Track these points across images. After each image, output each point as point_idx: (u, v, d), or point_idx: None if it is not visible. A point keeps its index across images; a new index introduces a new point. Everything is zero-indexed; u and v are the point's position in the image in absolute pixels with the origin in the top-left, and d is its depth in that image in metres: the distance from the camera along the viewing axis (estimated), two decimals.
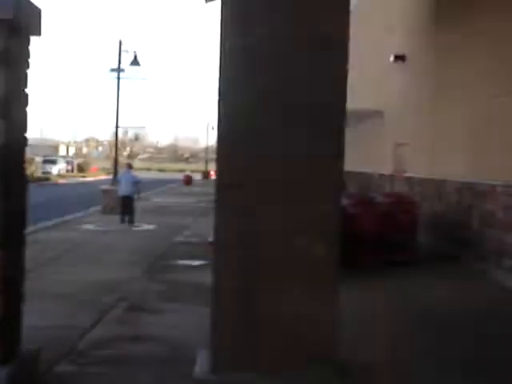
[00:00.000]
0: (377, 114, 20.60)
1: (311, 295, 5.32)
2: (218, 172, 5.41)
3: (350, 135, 20.09)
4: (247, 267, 5.33)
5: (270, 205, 5.32)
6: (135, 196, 20.49)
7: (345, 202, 12.32)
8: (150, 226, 19.18)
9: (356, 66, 20.68)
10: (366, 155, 22.98)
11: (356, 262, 11.74)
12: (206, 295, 5.61)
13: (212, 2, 9.86)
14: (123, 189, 20.22)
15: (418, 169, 16.97)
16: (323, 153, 5.29)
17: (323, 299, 5.33)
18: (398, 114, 18.99)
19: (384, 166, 20.52)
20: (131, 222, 19.75)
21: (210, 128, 69.53)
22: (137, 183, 20.53)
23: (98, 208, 23.48)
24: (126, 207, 20.33)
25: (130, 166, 21.88)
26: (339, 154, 5.31)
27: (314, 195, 5.29)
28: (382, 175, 21.21)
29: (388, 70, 19.36)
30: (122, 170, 22.87)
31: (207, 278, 5.56)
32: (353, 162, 20.09)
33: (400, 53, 18.20)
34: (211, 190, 5.57)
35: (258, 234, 5.32)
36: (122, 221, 19.95)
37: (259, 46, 5.26)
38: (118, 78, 28.25)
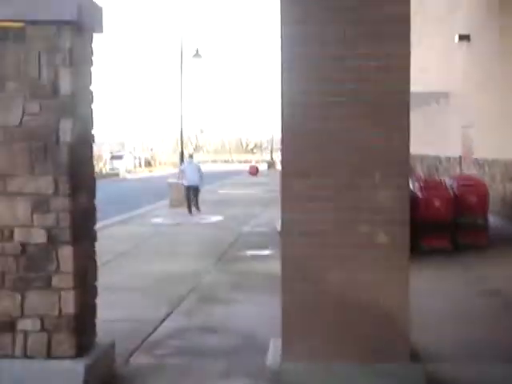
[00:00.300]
0: (442, 95, 20.25)
1: (382, 281, 5.28)
2: (284, 161, 5.42)
3: (415, 117, 19.81)
4: (315, 255, 5.33)
5: (336, 193, 5.29)
6: (200, 185, 21.27)
7: (413, 185, 12.18)
8: (218, 218, 19.33)
9: (419, 46, 20.37)
10: (433, 137, 22.63)
11: (426, 247, 11.61)
12: (276, 284, 5.63)
13: None
14: (189, 179, 20.87)
15: (485, 150, 16.63)
16: (388, 138, 5.24)
17: (395, 285, 5.29)
18: (463, 94, 18.64)
19: (451, 148, 20.17)
20: (198, 209, 20.25)
21: (275, 118, 69.46)
22: (200, 172, 21.37)
23: (166, 202, 23.77)
24: (193, 197, 21.00)
25: (191, 156, 22.59)
26: (404, 139, 5.25)
27: (381, 180, 5.25)
28: (449, 157, 20.87)
29: (452, 50, 19.01)
30: (185, 161, 23.43)
31: (277, 267, 5.58)
32: (419, 145, 19.80)
33: (465, 32, 17.85)
34: (277, 179, 5.57)
35: (324, 222, 5.30)
36: (190, 211, 20.41)
37: (320, 33, 5.23)
38: (181, 72, 28.56)
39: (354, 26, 5.19)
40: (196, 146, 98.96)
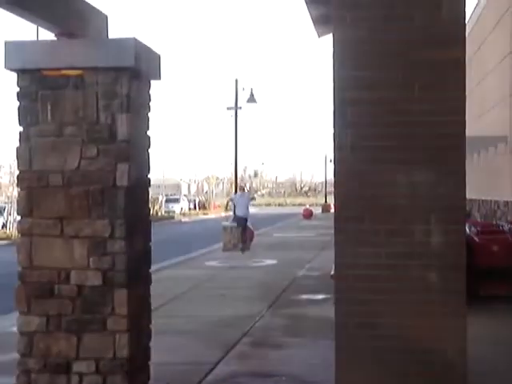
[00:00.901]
0: (500, 139, 19.98)
1: (438, 327, 5.18)
2: (337, 205, 5.41)
3: (472, 162, 19.49)
4: (368, 300, 5.27)
5: (389, 238, 5.25)
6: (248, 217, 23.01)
7: (469, 230, 11.97)
8: (272, 261, 19.28)
9: (477, 88, 20.19)
10: (490, 182, 22.28)
11: (485, 293, 11.34)
12: (330, 329, 5.57)
13: (325, 37, 9.91)
14: (240, 210, 21.91)
15: None
16: (442, 182, 5.19)
17: (452, 331, 5.18)
18: None
19: (509, 193, 19.82)
20: (244, 243, 21.08)
21: (328, 161, 69.48)
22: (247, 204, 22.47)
23: (220, 244, 23.85)
24: (242, 227, 22.51)
25: (243, 189, 23.64)
26: (459, 184, 5.19)
27: (435, 226, 5.18)
28: (507, 202, 20.50)
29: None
30: (237, 193, 24.32)
31: (331, 311, 5.53)
32: (476, 189, 19.52)
33: None
34: (331, 223, 5.55)
35: (378, 266, 5.25)
36: (244, 242, 21.22)
37: (372, 78, 5.25)
38: (236, 116, 28.80)
39: (406, 71, 5.19)
40: (250, 189, 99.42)
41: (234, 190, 27.63)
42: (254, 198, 22.71)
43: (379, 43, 5.22)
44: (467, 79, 5.21)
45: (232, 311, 11.04)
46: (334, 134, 5.32)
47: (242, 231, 22.35)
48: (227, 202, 24.76)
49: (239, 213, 22.76)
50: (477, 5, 22.36)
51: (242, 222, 22.49)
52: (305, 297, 12.61)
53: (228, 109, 29.98)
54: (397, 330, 5.22)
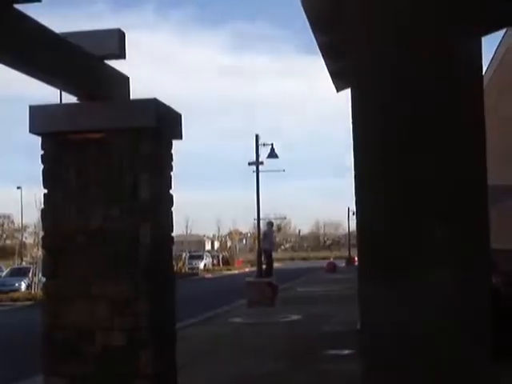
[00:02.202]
0: None
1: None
2: (359, 259, 5.37)
3: (499, 211, 19.32)
4: (397, 357, 5.18)
5: (415, 292, 5.18)
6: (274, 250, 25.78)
7: (496, 280, 11.80)
8: (296, 316, 19.10)
9: (500, 131, 20.11)
10: None
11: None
12: None
13: (343, 92, 9.98)
14: (266, 244, 24.27)
15: None
16: (465, 233, 5.14)
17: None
18: None
19: None
20: (270, 274, 22.94)
21: (351, 214, 69.33)
22: (275, 239, 26.31)
23: (244, 301, 23.70)
24: (268, 259, 25.84)
25: (271, 224, 26.03)
26: (484, 233, 5.14)
27: (459, 279, 5.12)
28: None
29: None
30: (265, 228, 26.55)
31: (357, 367, 5.45)
32: (504, 239, 19.29)
33: None
34: (355, 276, 5.51)
35: (402, 323, 5.18)
36: (268, 273, 23.22)
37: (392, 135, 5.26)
38: (257, 172, 28.90)
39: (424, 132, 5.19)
40: (275, 242, 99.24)
41: (256, 246, 27.93)
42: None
43: (395, 98, 5.25)
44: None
45: (257, 368, 10.91)
46: (355, 187, 5.31)
47: (268, 261, 25.51)
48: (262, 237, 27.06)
49: (266, 245, 25.78)
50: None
51: (268, 253, 25.90)
52: (331, 352, 12.44)
53: (249, 164, 30.13)
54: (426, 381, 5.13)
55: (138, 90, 6.01)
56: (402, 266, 5.23)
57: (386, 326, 5.19)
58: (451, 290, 5.13)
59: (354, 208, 5.49)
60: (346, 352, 12.21)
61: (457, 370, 5.10)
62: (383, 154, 5.29)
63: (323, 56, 8.37)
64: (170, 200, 5.87)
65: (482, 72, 5.32)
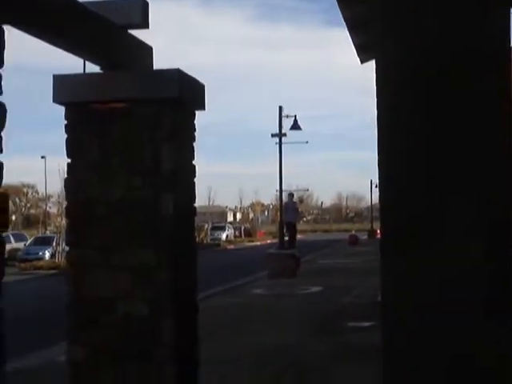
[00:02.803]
0: None
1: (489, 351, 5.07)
2: (383, 231, 5.34)
3: None
4: (415, 328, 5.17)
5: (435, 264, 5.16)
6: (297, 222, 25.84)
7: None
8: (318, 288, 19.15)
9: None
10: None
11: None
12: (377, 356, 5.48)
13: (367, 63, 9.91)
14: (289, 216, 24.49)
15: None
16: (490, 208, 5.09)
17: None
18: None
19: None
20: (292, 246, 23.18)
21: (374, 186, 69.05)
22: (298, 210, 25.88)
23: (266, 272, 23.80)
24: (290, 231, 25.84)
25: (292, 195, 26.32)
26: (508, 208, 5.09)
27: (483, 252, 5.08)
28: None
29: None
30: (287, 199, 26.93)
31: (378, 338, 5.45)
32: None
33: None
34: (377, 248, 5.49)
35: (426, 292, 5.16)
36: (290, 245, 23.40)
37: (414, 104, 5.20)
38: (280, 144, 28.84)
39: (451, 97, 5.12)
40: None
41: (279, 217, 27.96)
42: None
43: (420, 69, 5.17)
44: None
45: (279, 339, 10.95)
46: (379, 162, 5.27)
47: (291, 233, 25.79)
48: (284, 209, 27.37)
49: (288, 218, 26.05)
50: None
51: (290, 226, 26.18)
52: (352, 324, 12.47)
53: (272, 136, 30.00)
54: (450, 361, 5.11)
55: (162, 61, 5.98)
56: (425, 239, 5.20)
57: (407, 297, 5.18)
58: (475, 263, 5.10)
59: (376, 181, 5.46)
60: (366, 324, 12.22)
61: (480, 338, 5.09)
62: (408, 127, 5.24)
63: (348, 29, 8.29)
64: (192, 171, 5.86)
65: (509, 44, 5.23)
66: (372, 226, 68.95)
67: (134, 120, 5.41)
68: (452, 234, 5.15)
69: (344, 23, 8.10)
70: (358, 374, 8.35)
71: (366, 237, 61.42)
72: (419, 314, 5.17)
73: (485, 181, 5.12)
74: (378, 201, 5.55)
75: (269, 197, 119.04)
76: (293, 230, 26.44)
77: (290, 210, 26.73)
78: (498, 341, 5.05)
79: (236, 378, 8.40)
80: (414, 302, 5.18)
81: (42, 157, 64.36)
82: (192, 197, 5.87)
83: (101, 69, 5.54)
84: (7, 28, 3.88)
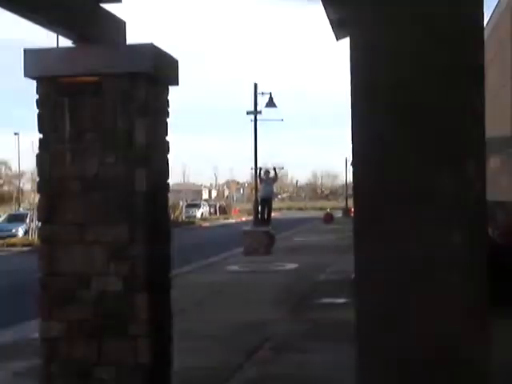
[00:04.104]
0: None
1: (460, 331, 5.13)
2: (356, 208, 5.37)
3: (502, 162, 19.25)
4: (389, 300, 5.22)
5: (411, 239, 5.19)
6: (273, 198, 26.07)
7: (493, 233, 11.86)
8: (293, 265, 19.25)
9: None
10: None
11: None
12: (352, 333, 5.54)
13: (343, 40, 9.88)
14: (263, 192, 24.27)
15: None
16: (465, 184, 5.13)
17: (474, 335, 5.12)
18: None
19: None
20: (268, 222, 23.29)
21: (349, 164, 69.25)
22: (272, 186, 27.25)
23: (241, 249, 23.86)
24: (264, 208, 25.82)
25: (268, 172, 26.10)
26: (477, 183, 5.13)
27: (458, 225, 5.13)
28: None
29: None
30: (262, 175, 26.96)
31: (352, 315, 5.50)
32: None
33: None
34: (351, 227, 5.53)
35: (398, 269, 5.20)
36: (262, 220, 24.94)
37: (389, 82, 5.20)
38: (255, 121, 28.77)
39: (423, 75, 5.15)
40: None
41: (254, 195, 28.04)
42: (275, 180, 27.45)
43: (394, 46, 5.18)
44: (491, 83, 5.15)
45: (254, 316, 11.02)
46: (353, 143, 5.28)
47: (267, 209, 25.65)
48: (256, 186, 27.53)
49: (262, 195, 26.01)
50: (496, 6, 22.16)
51: (265, 202, 25.87)
52: (326, 301, 12.57)
53: (247, 113, 29.89)
54: (423, 337, 5.17)
55: (135, 36, 5.93)
56: (400, 222, 5.24)
57: (381, 275, 5.22)
58: (448, 238, 5.14)
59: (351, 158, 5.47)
60: (341, 300, 12.33)
61: (452, 317, 5.15)
62: (382, 105, 5.25)
63: (324, 4, 8.25)
64: (166, 147, 5.84)
65: (483, 23, 5.25)
66: (347, 204, 69.27)
67: (107, 95, 5.37)
68: (427, 214, 5.20)
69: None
70: (332, 350, 8.43)
71: (340, 215, 61.73)
72: (393, 294, 5.22)
73: (461, 159, 5.16)
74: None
75: (244, 175, 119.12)
76: (268, 207, 26.27)
77: (265, 186, 26.63)
78: (476, 325, 5.12)
79: (211, 352, 8.44)
80: (387, 280, 5.22)
81: (16, 133, 63.73)
82: (166, 173, 5.86)
83: (73, 43, 5.49)
84: None
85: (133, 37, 5.91)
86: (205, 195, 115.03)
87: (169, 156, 5.90)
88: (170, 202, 6.10)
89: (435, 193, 5.16)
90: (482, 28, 5.23)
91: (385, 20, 5.22)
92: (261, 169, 27.46)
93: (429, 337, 5.15)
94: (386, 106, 5.22)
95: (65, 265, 5.41)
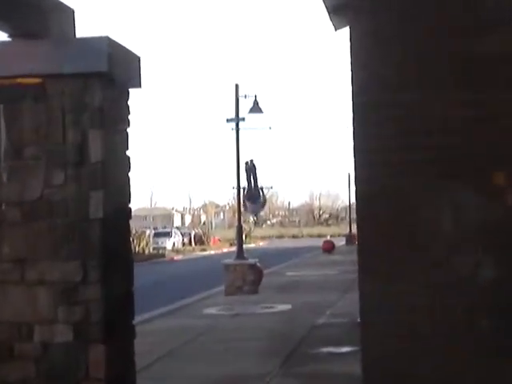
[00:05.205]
0: None
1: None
2: (360, 237, 5.36)
3: None
4: (400, 349, 5.22)
5: (427, 273, 5.21)
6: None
7: None
8: (285, 307, 19.20)
9: None
10: None
11: None
12: None
13: (342, 30, 9.95)
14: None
15: None
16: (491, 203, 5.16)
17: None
18: None
19: None
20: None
21: (352, 181, 69.30)
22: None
23: (222, 288, 23.79)
24: None
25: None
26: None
27: (483, 255, 5.16)
28: None
29: None
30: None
31: (358, 367, 5.47)
32: None
33: None
34: (356, 257, 5.52)
35: (412, 308, 5.20)
36: None
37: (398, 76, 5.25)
38: (237, 130, 28.58)
39: (439, 67, 5.20)
40: (257, 219, 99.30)
41: (237, 220, 27.91)
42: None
43: (404, 34, 5.22)
44: None
45: (237, 370, 10.95)
46: (354, 148, 5.29)
47: None
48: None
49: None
50: None
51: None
52: (326, 350, 12.51)
53: (228, 121, 29.72)
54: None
55: (88, 28, 5.93)
56: (410, 241, 5.24)
57: (389, 316, 5.21)
58: (472, 270, 5.17)
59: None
60: (344, 349, 12.28)
61: (475, 364, 5.15)
62: (383, 96, 5.31)
63: None
64: (126, 163, 5.82)
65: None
66: (350, 230, 69.30)
67: (52, 100, 5.35)
68: (440, 238, 5.20)
69: None
70: None
71: (343, 243, 61.81)
72: (404, 334, 5.20)
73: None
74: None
75: (224, 196, 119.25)
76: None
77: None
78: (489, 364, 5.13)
79: None
80: (398, 320, 5.21)
81: None
82: (127, 195, 5.84)
83: (9, 37, 5.47)
84: None
85: (85, 29, 5.91)
86: (177, 221, 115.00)
87: (130, 174, 5.88)
88: (134, 230, 6.09)
89: (455, 216, 5.18)
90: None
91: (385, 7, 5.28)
92: (244, 188, 27.26)
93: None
94: (393, 105, 5.25)
95: (1, 311, 5.36)
